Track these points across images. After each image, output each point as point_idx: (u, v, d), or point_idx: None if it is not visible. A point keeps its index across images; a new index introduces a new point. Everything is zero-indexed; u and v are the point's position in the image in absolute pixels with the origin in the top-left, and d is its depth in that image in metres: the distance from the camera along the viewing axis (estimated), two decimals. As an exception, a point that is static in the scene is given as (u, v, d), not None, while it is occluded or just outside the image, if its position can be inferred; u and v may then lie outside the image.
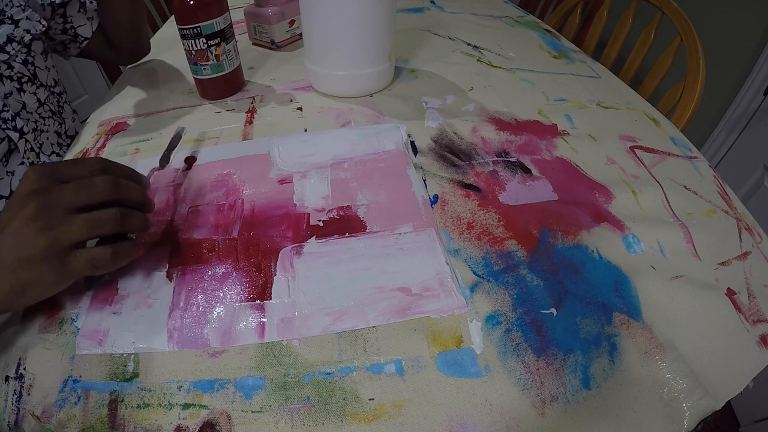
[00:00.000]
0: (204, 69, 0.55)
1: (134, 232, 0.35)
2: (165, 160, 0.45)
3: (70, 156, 0.52)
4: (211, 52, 0.54)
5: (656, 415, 0.28)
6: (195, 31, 0.51)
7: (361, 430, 0.27)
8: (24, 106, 0.52)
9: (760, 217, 0.41)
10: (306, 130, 0.51)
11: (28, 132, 0.52)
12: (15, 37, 0.51)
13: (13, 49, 0.51)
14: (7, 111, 0.50)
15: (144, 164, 0.48)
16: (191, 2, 0.50)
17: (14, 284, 0.30)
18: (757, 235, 0.40)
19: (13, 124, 0.50)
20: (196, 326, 0.33)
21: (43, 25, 0.54)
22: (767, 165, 1.11)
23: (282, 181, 0.44)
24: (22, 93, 0.52)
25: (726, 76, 1.23)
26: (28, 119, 0.53)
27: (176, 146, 0.47)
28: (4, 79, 0.50)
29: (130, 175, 0.35)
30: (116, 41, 0.64)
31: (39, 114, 0.55)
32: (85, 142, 0.53)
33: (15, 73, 0.52)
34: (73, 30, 0.59)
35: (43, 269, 0.30)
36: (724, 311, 0.34)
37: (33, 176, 0.31)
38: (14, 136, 0.50)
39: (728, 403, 0.29)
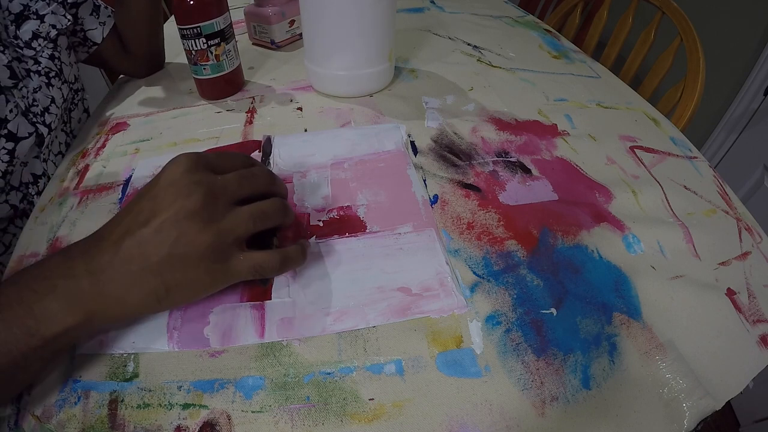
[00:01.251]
0: (204, 69, 0.55)
1: (286, 226, 0.32)
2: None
3: (69, 155, 0.52)
4: (211, 52, 0.54)
5: (656, 415, 0.28)
6: (195, 31, 0.51)
7: (361, 430, 0.27)
8: (53, 100, 0.52)
9: (760, 217, 0.41)
10: (306, 130, 0.51)
11: (55, 128, 0.52)
12: (41, 32, 0.50)
13: (39, 44, 0.50)
14: (37, 106, 0.49)
15: (144, 165, 0.48)
16: (191, 2, 0.50)
17: (157, 287, 0.26)
18: (757, 235, 0.40)
19: (42, 119, 0.50)
20: (196, 326, 0.32)
21: (69, 20, 0.54)
22: (767, 165, 1.11)
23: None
24: (50, 87, 0.52)
25: (726, 76, 1.23)
26: (56, 114, 0.52)
27: (270, 152, 0.47)
28: (32, 74, 0.50)
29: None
30: (132, 47, 0.62)
31: (63, 110, 0.54)
32: (85, 141, 0.53)
33: (42, 68, 0.51)
34: (83, 33, 0.58)
35: (200, 270, 0.27)
36: (724, 311, 0.34)
37: (187, 164, 0.27)
38: (44, 130, 0.49)
39: (728, 403, 0.29)
